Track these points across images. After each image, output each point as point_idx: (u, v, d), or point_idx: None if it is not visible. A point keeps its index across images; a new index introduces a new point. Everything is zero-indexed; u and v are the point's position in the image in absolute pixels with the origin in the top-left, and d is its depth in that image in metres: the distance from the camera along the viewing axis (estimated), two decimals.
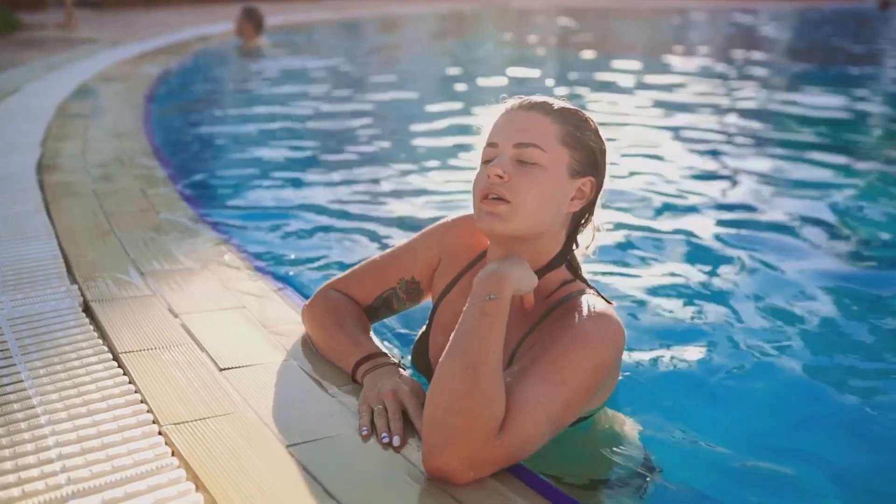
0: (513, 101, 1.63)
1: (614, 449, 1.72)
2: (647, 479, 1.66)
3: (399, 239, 3.26)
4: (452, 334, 1.44)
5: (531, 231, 1.56)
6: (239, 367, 1.84)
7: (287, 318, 2.13)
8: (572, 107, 1.63)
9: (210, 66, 9.77)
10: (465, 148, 5.22)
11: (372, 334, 1.86)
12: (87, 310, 2.18)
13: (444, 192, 4.15)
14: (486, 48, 12.96)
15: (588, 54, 11.43)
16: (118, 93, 6.80)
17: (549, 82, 8.67)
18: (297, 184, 4.24)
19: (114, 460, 1.48)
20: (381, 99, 7.41)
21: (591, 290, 1.65)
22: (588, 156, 1.59)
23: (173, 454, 1.51)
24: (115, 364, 1.85)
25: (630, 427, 1.80)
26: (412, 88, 8.12)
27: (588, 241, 1.70)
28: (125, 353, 1.89)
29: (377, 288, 1.86)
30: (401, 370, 1.69)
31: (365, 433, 1.54)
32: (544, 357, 1.46)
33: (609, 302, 1.65)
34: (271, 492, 1.39)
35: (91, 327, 2.06)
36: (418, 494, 1.38)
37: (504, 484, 1.40)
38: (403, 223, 3.55)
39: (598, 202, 1.66)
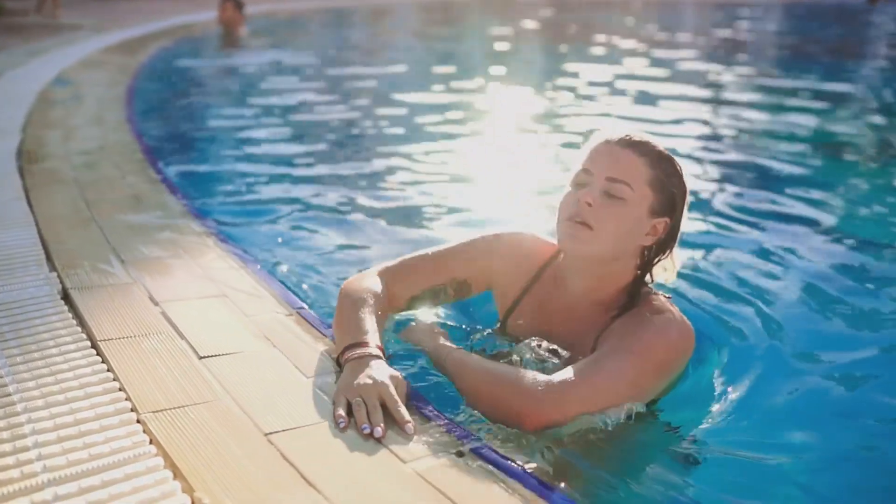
0: (613, 133, 1.74)
1: (659, 439, 1.75)
2: (688, 469, 1.69)
3: (386, 229, 3.27)
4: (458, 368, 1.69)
5: (605, 256, 1.73)
6: (219, 355, 1.83)
7: (268, 307, 2.13)
8: (665, 152, 1.75)
9: (193, 54, 9.71)
10: (453, 138, 5.21)
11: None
12: (66, 297, 2.16)
13: (432, 182, 4.14)
14: (475, 37, 12.93)
15: (576, 45, 11.42)
16: (101, 80, 6.75)
17: (536, 74, 8.66)
18: (280, 172, 4.23)
19: (91, 448, 1.47)
20: (365, 87, 7.38)
21: (662, 296, 1.79)
22: (668, 199, 1.73)
23: (151, 442, 1.51)
24: (94, 352, 1.84)
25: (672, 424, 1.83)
26: (398, 78, 8.09)
27: (667, 275, 1.84)
28: (104, 340, 1.88)
29: (427, 282, 1.92)
30: (383, 362, 1.67)
31: (342, 425, 1.53)
32: (620, 340, 1.66)
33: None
34: (250, 480, 1.38)
35: (70, 315, 2.04)
36: (397, 482, 1.38)
37: (495, 481, 1.40)
38: (389, 213, 3.55)
39: (675, 241, 1.79)
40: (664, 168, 1.72)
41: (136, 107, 5.56)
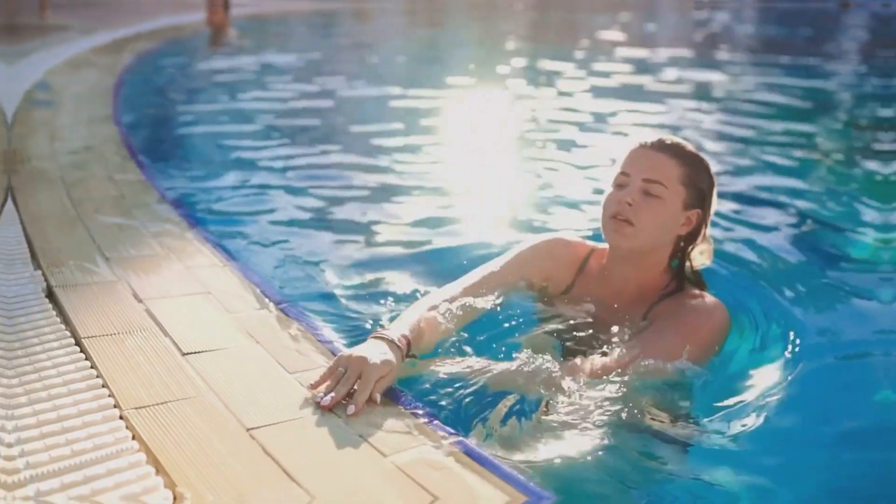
0: (647, 138, 1.92)
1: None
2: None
3: (371, 227, 3.26)
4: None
5: (646, 247, 1.92)
6: (202, 351, 1.82)
7: (251, 304, 2.11)
8: (693, 151, 1.93)
9: (182, 54, 9.65)
10: (440, 138, 5.21)
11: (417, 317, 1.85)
12: (51, 295, 2.14)
13: (418, 181, 4.13)
14: (461, 38, 12.92)
15: (555, 45, 11.44)
16: (88, 80, 6.69)
17: (514, 73, 8.67)
18: (264, 171, 4.20)
19: (73, 444, 1.46)
20: (352, 87, 7.36)
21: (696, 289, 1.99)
22: (699, 193, 1.91)
23: (134, 438, 1.49)
24: (78, 349, 1.82)
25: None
26: (384, 78, 8.07)
27: (704, 258, 2.03)
28: (88, 338, 1.86)
29: (502, 285, 2.07)
30: (386, 346, 1.66)
31: (310, 384, 1.62)
32: (669, 322, 1.87)
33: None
34: (231, 475, 1.37)
35: (54, 313, 2.02)
36: (378, 475, 1.38)
37: (474, 474, 1.40)
38: (374, 211, 3.53)
39: (707, 227, 1.98)
40: (693, 166, 1.90)
41: (122, 107, 5.51)
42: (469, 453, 1.45)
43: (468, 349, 1.86)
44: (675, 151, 1.90)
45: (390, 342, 1.67)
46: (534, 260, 2.11)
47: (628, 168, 1.90)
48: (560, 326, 2.02)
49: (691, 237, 1.97)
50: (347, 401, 1.56)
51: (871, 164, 4.55)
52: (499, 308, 2.04)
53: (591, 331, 1.96)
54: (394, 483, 1.36)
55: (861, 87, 8.47)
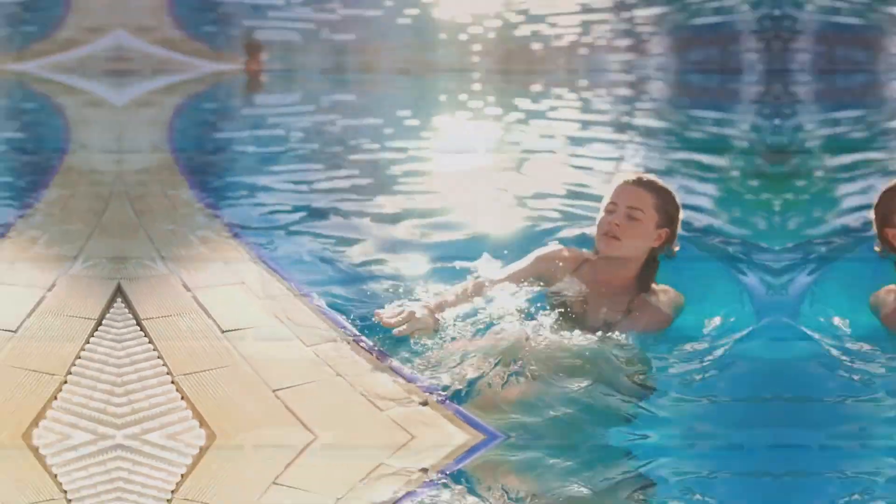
0: (629, 176, 2.22)
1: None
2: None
3: (381, 236, 3.29)
4: None
5: (628, 256, 2.18)
6: (238, 329, 1.90)
7: (278, 291, 2.18)
8: (664, 185, 2.22)
9: (223, 94, 9.69)
10: (430, 163, 5.22)
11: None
12: (118, 287, 2.21)
13: (412, 188, 4.15)
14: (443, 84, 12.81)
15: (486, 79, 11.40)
16: (148, 114, 6.75)
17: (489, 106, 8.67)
18: (291, 186, 4.22)
19: (134, 404, 1.53)
20: (360, 118, 7.36)
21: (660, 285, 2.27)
22: (668, 217, 2.19)
23: (182, 399, 1.56)
24: (138, 328, 1.89)
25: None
26: (387, 108, 8.09)
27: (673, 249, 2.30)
28: (147, 319, 1.93)
29: (519, 280, 2.28)
30: (427, 311, 1.95)
31: (377, 312, 1.92)
32: (648, 307, 2.16)
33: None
34: (260, 427, 1.45)
35: (120, 299, 2.09)
36: (374, 424, 1.46)
37: (449, 423, 1.48)
38: (384, 221, 3.55)
39: (675, 238, 2.24)
40: (664, 197, 2.19)
41: (175, 136, 5.57)
42: (447, 407, 1.52)
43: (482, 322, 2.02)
44: (651, 186, 2.19)
45: (430, 308, 1.98)
46: (543, 261, 2.33)
47: (615, 199, 2.18)
48: (560, 301, 2.18)
49: (661, 248, 2.23)
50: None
51: (771, 181, 4.53)
52: (516, 297, 2.19)
53: (583, 309, 2.18)
54: (383, 427, 1.44)
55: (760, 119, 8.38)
